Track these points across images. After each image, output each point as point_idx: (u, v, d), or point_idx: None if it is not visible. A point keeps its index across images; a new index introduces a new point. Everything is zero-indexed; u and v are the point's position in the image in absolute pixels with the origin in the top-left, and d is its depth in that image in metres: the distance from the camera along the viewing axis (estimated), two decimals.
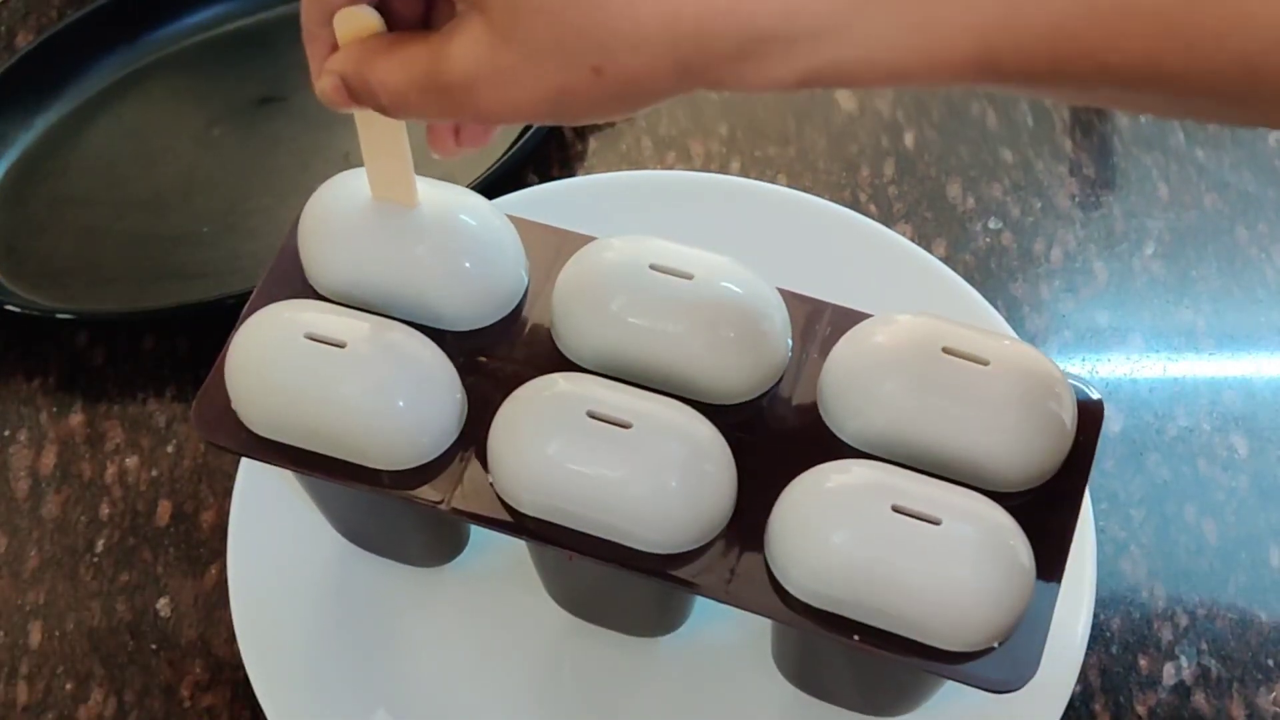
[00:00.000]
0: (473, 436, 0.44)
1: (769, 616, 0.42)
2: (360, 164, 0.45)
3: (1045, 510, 0.43)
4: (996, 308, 0.56)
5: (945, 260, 0.60)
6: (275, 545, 0.52)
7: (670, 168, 0.65)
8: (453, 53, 0.35)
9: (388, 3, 0.38)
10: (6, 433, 0.59)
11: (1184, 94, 0.32)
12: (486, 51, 0.34)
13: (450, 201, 0.46)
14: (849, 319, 0.46)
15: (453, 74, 0.35)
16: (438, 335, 0.45)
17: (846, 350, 0.44)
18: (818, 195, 0.60)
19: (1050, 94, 0.35)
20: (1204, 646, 0.52)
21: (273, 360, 0.43)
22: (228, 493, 0.54)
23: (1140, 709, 0.51)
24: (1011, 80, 0.33)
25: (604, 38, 0.32)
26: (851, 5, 0.32)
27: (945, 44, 0.32)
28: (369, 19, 0.38)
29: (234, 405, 0.44)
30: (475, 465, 0.44)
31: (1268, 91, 0.31)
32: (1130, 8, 0.30)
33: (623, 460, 0.41)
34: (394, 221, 0.45)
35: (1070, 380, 0.44)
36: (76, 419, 0.59)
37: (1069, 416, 0.43)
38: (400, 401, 0.43)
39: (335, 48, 0.38)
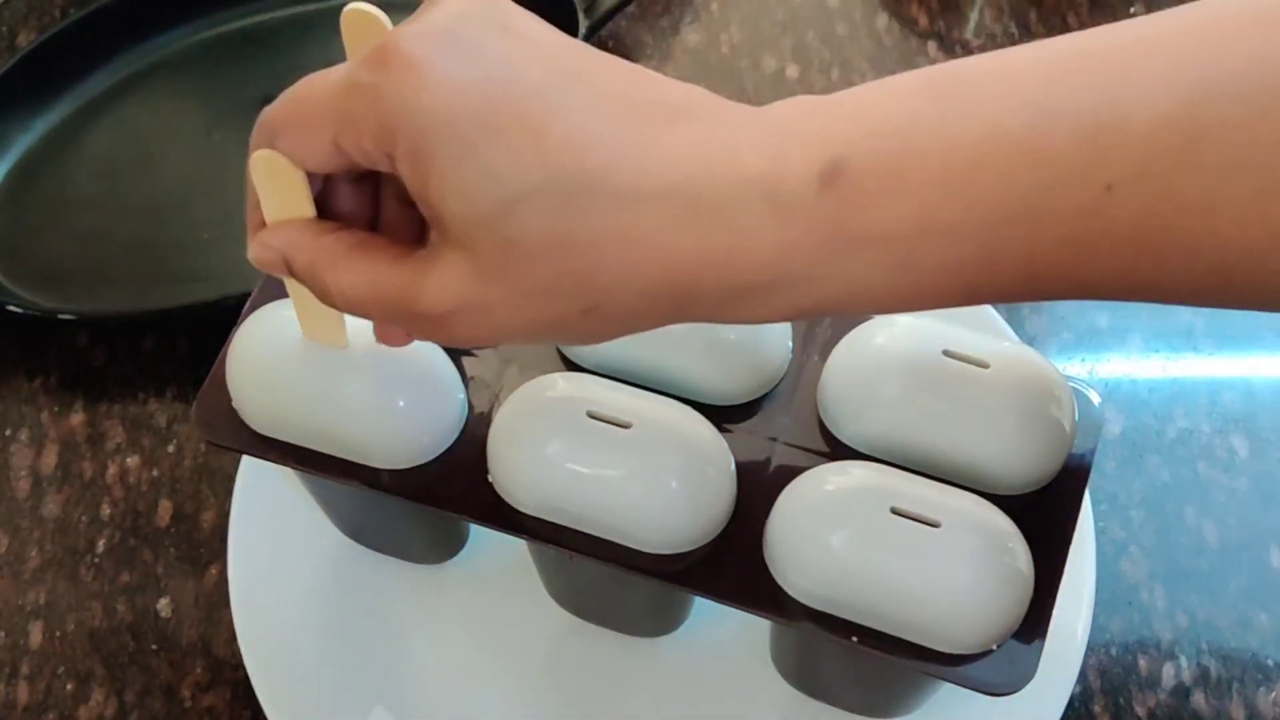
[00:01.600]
0: (473, 436, 0.44)
1: (768, 617, 0.42)
2: None
3: (1044, 513, 0.43)
4: (995, 309, 0.56)
5: None
6: (275, 545, 0.52)
7: None
8: (430, 285, 0.34)
9: (331, 194, 0.37)
10: (7, 432, 0.59)
11: (1158, 298, 0.33)
12: (470, 288, 0.33)
13: None
14: (849, 321, 0.46)
15: (427, 305, 0.34)
16: None
17: (846, 352, 0.44)
18: None
19: (1026, 300, 0.36)
20: (1204, 647, 0.52)
21: (274, 358, 0.43)
22: (228, 493, 0.54)
23: (1140, 709, 0.51)
24: (988, 300, 0.34)
25: (600, 283, 0.33)
26: (829, 255, 0.32)
27: (926, 282, 0.33)
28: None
29: (234, 404, 0.44)
30: (476, 464, 0.44)
31: (1240, 291, 0.32)
32: (1101, 233, 0.31)
33: (623, 460, 0.41)
34: None
35: (1070, 383, 0.44)
36: (77, 419, 0.59)
37: (1069, 420, 0.43)
38: (401, 401, 0.43)
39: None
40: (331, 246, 0.36)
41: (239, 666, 0.50)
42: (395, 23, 0.40)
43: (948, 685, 0.41)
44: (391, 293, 0.34)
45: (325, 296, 0.36)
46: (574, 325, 0.34)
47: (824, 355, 0.45)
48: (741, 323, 0.35)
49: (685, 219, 0.32)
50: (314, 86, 0.34)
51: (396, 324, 0.36)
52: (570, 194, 0.32)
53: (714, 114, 0.33)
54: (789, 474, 0.42)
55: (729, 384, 0.45)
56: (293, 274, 0.37)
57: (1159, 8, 0.70)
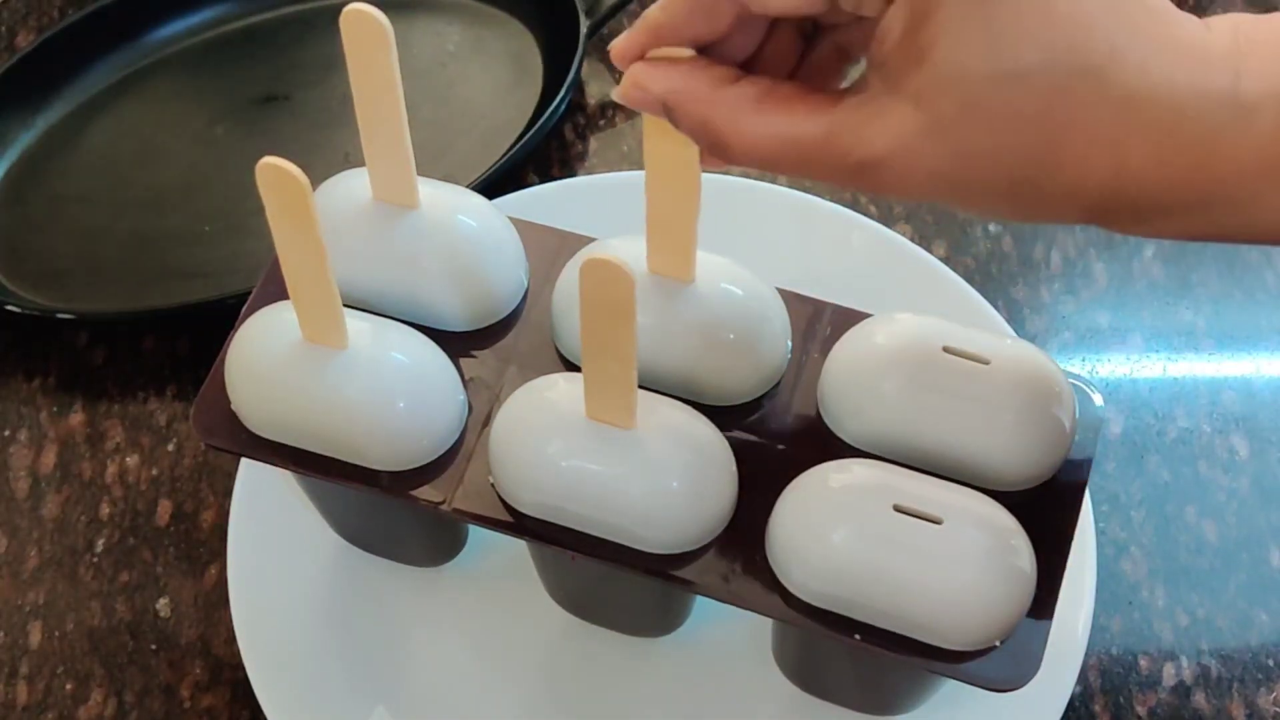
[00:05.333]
0: (473, 437, 0.44)
1: (770, 616, 0.42)
2: (360, 164, 0.45)
3: (1045, 509, 0.43)
4: (996, 309, 0.56)
5: (945, 261, 0.60)
6: (275, 545, 0.52)
7: None
8: (866, 135, 0.33)
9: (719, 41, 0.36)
10: (6, 433, 0.59)
11: None
12: (912, 142, 0.33)
13: (450, 202, 0.46)
14: (849, 319, 0.46)
15: (861, 155, 0.34)
16: (438, 335, 0.45)
17: (846, 350, 0.44)
18: (818, 196, 0.60)
19: None
20: (1204, 646, 0.52)
21: (272, 361, 0.43)
22: (228, 493, 0.54)
23: (1140, 709, 0.51)
24: None
25: (1047, 167, 0.33)
26: (1266, 176, 0.32)
27: None
28: None
29: (234, 406, 0.44)
30: (476, 465, 0.44)
31: None
32: None
33: (623, 460, 0.41)
34: (394, 222, 0.45)
35: (1070, 380, 0.44)
36: (76, 419, 0.59)
37: (1069, 416, 0.43)
38: (401, 403, 0.43)
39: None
40: (735, 97, 0.35)
41: (238, 666, 0.50)
42: (393, 23, 0.40)
43: (951, 682, 0.41)
44: (813, 141, 0.34)
45: (719, 147, 0.35)
46: (996, 196, 0.34)
47: (824, 353, 0.45)
48: (1143, 235, 0.35)
49: (1163, 129, 0.32)
50: None
51: (806, 172, 0.35)
52: (1062, 78, 0.32)
53: (1188, 26, 0.33)
54: (790, 472, 0.42)
55: (729, 383, 0.45)
56: (673, 119, 0.35)
57: None
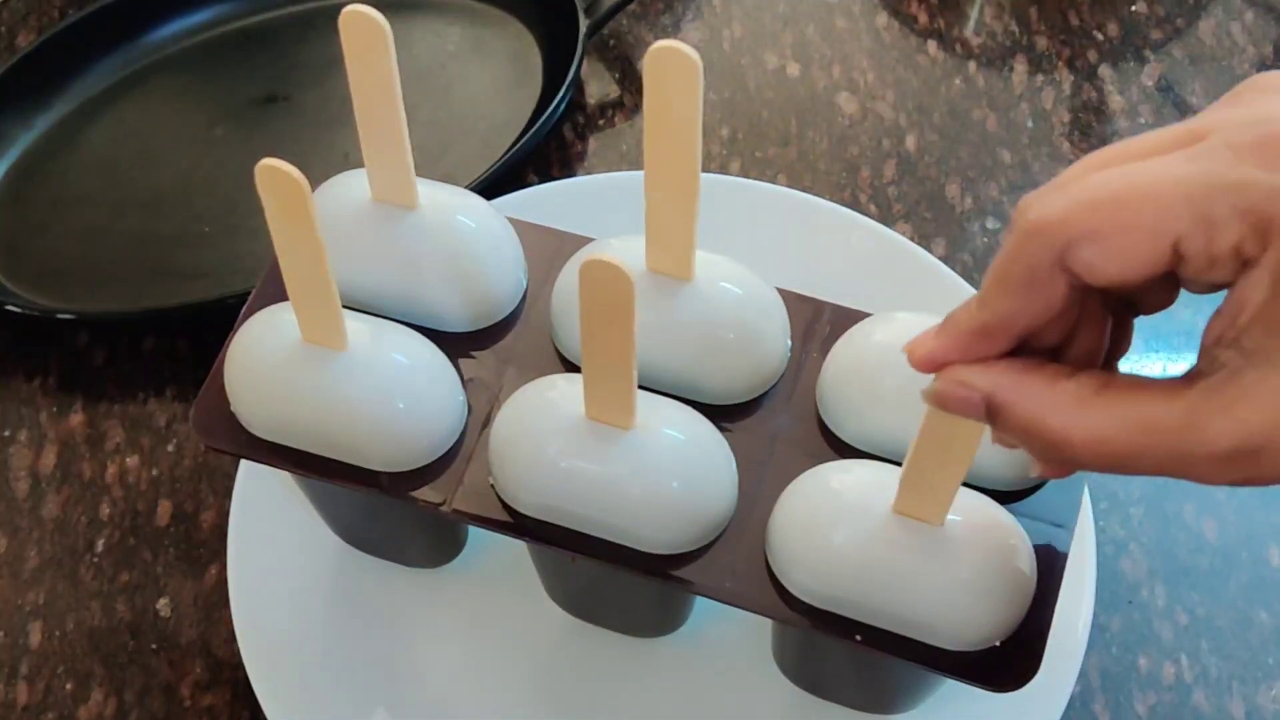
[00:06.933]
0: (473, 437, 0.44)
1: (770, 616, 0.42)
2: (360, 164, 0.45)
3: (1045, 509, 0.43)
4: None
5: (944, 260, 0.60)
6: (275, 545, 0.52)
7: None
8: (1240, 413, 0.30)
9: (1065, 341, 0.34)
10: (6, 433, 0.59)
11: None
12: None
13: (449, 203, 0.46)
14: (848, 318, 0.46)
15: (1230, 436, 0.30)
16: (437, 336, 0.45)
17: (846, 350, 0.44)
18: (818, 195, 0.60)
19: None
20: (1204, 646, 0.52)
21: (272, 362, 0.43)
22: (228, 493, 0.54)
23: (1140, 709, 0.51)
24: None
25: None
26: None
27: None
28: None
29: (233, 407, 0.44)
30: (476, 466, 0.44)
31: None
32: None
33: (623, 461, 0.41)
34: (394, 222, 0.45)
35: None
36: (77, 419, 0.59)
37: None
38: (401, 403, 0.43)
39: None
40: (1073, 390, 0.32)
41: (239, 666, 0.50)
42: (393, 23, 0.40)
43: (950, 682, 0.41)
44: (1173, 427, 0.31)
45: (1057, 447, 0.32)
46: None
47: (823, 353, 0.45)
48: None
49: None
50: (1135, 187, 0.31)
51: (1162, 468, 0.31)
52: None
53: None
54: (790, 473, 0.42)
55: (729, 383, 0.45)
56: (998, 420, 0.33)
57: (1160, 6, 0.70)
